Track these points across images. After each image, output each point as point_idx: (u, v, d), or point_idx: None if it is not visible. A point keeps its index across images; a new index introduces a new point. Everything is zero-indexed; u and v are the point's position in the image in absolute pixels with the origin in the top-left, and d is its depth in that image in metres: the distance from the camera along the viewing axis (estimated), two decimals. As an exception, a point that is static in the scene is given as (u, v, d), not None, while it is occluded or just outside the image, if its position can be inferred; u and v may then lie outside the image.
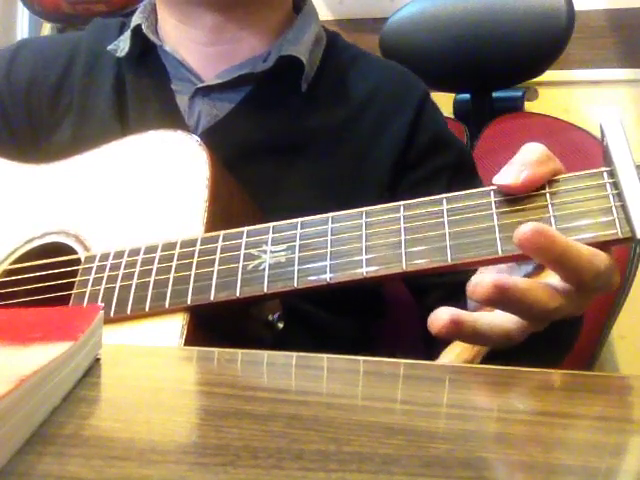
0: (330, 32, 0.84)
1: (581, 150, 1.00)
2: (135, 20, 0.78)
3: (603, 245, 0.48)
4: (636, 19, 1.41)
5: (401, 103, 0.78)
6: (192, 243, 0.58)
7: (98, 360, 0.39)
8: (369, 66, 0.82)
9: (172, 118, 0.75)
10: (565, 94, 1.45)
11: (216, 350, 0.46)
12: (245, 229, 0.57)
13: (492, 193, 0.52)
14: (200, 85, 0.76)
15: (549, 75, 1.16)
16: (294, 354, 0.44)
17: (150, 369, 0.42)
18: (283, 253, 0.55)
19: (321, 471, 0.27)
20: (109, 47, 0.78)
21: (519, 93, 1.18)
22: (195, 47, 0.77)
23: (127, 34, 0.78)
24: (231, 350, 0.45)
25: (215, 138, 0.67)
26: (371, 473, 0.27)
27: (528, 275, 0.51)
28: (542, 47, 1.08)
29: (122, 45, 0.78)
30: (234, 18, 0.75)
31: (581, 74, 1.44)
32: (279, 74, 0.75)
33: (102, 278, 0.59)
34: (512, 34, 1.08)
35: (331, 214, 0.55)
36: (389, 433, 0.31)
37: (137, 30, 0.77)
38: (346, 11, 1.60)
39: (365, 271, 0.52)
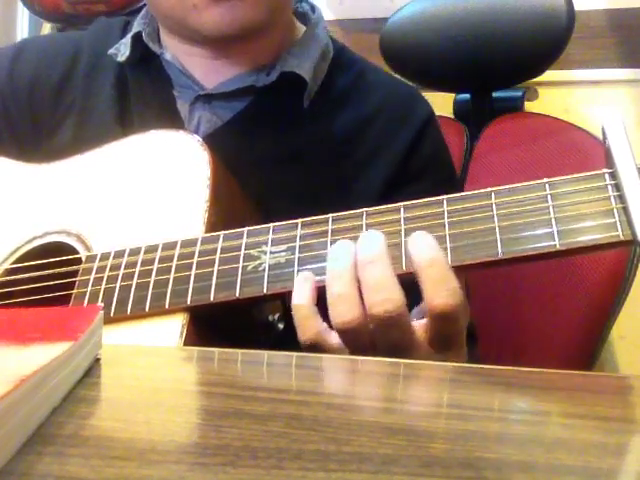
0: (337, 45, 0.83)
1: (581, 150, 1.00)
2: (136, 26, 0.78)
3: (604, 247, 0.48)
4: (636, 19, 1.41)
5: (403, 124, 0.77)
6: (192, 243, 0.58)
7: (98, 360, 0.39)
8: (374, 84, 0.81)
9: (172, 123, 0.74)
10: (565, 94, 1.45)
11: (216, 350, 0.46)
12: (245, 229, 0.57)
13: (493, 195, 0.51)
14: (201, 93, 0.75)
15: (549, 75, 1.16)
16: (294, 354, 0.44)
17: (150, 369, 0.42)
18: (283, 254, 0.55)
19: (321, 471, 0.27)
20: (110, 51, 0.78)
21: (519, 93, 1.17)
22: (197, 59, 0.77)
23: (128, 39, 0.78)
24: (231, 350, 0.45)
25: (214, 145, 0.67)
26: (371, 473, 0.27)
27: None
28: (542, 47, 1.08)
29: (123, 50, 0.78)
30: (233, 45, 0.75)
31: (581, 74, 1.44)
32: (281, 88, 0.74)
33: (102, 278, 0.59)
34: (512, 34, 1.08)
35: (331, 215, 0.55)
36: (389, 433, 0.31)
37: (137, 37, 0.77)
38: (346, 11, 1.60)
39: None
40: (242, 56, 0.76)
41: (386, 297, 0.48)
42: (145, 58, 0.78)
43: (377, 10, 1.53)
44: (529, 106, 1.20)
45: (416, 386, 0.40)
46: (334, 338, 0.51)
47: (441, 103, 1.11)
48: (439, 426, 0.33)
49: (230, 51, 0.75)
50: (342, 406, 0.35)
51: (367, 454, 0.28)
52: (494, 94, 1.17)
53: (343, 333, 0.50)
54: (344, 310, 0.49)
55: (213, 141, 0.72)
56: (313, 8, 0.83)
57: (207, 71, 0.76)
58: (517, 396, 0.40)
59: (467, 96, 1.19)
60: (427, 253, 0.50)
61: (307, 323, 0.51)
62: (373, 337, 0.50)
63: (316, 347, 0.51)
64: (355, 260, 0.50)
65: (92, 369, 0.38)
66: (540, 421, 0.35)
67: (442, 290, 0.49)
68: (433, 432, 0.32)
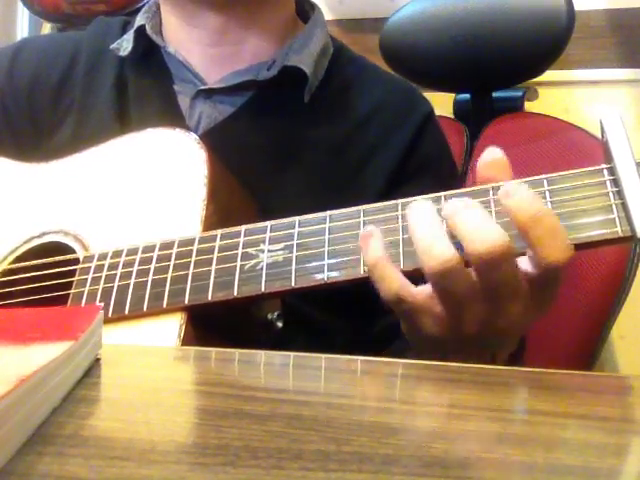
0: (337, 43, 0.84)
1: (581, 150, 1.00)
2: (139, 20, 0.78)
3: (603, 244, 0.48)
4: (636, 19, 1.41)
5: (402, 122, 0.77)
6: (190, 242, 0.58)
7: (98, 360, 0.39)
8: (374, 81, 0.81)
9: (173, 119, 0.74)
10: (565, 94, 1.45)
11: (216, 350, 0.46)
12: (243, 228, 0.57)
13: (491, 191, 0.51)
14: (202, 87, 0.76)
15: (549, 75, 1.16)
16: (293, 354, 0.44)
17: (150, 369, 0.42)
18: (281, 252, 0.55)
19: (321, 471, 0.27)
20: (112, 46, 0.78)
21: (519, 93, 1.17)
22: (199, 48, 0.77)
23: (130, 34, 0.78)
24: (231, 350, 0.45)
25: (214, 140, 0.67)
26: (371, 473, 0.27)
27: None
28: (542, 47, 1.08)
29: (125, 44, 0.78)
30: (236, 17, 0.75)
31: (581, 74, 1.44)
32: (282, 83, 0.75)
33: (100, 278, 0.59)
34: (512, 34, 1.08)
35: (329, 212, 0.55)
36: (389, 433, 0.31)
37: (141, 30, 0.77)
38: (346, 11, 1.60)
39: (363, 270, 0.52)
40: (242, 45, 0.76)
41: (488, 235, 0.47)
42: (147, 52, 0.78)
43: (377, 10, 1.53)
44: (529, 106, 1.20)
45: (416, 386, 0.40)
46: (418, 292, 0.50)
47: (441, 103, 1.10)
48: (439, 426, 0.33)
49: (233, 19, 0.75)
50: (342, 406, 0.35)
51: (367, 454, 0.28)
52: (494, 94, 1.17)
53: (442, 277, 0.48)
54: (442, 249, 0.47)
55: (214, 136, 0.72)
56: (313, 7, 0.84)
57: (208, 65, 0.77)
58: (517, 396, 0.40)
59: (467, 96, 1.19)
60: (530, 206, 0.47)
61: (390, 277, 0.50)
62: (473, 284, 0.48)
63: (401, 303, 0.50)
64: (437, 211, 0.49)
65: (92, 369, 0.38)
66: (540, 421, 0.35)
67: (557, 243, 0.46)
68: (433, 432, 0.32)
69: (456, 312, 0.49)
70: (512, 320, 0.49)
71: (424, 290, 0.50)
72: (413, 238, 0.49)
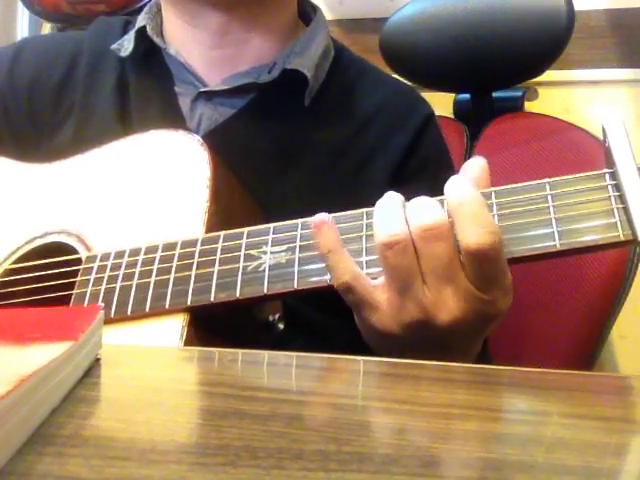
0: (338, 45, 0.84)
1: (581, 150, 1.00)
2: (140, 21, 0.78)
3: (605, 247, 0.48)
4: (636, 19, 1.41)
5: (403, 124, 0.77)
6: (192, 243, 0.58)
7: (98, 360, 0.39)
8: (375, 83, 0.81)
9: (174, 120, 0.74)
10: (565, 94, 1.45)
11: (216, 350, 0.46)
12: (245, 230, 0.57)
13: (493, 194, 0.51)
14: (203, 89, 0.76)
15: (549, 75, 1.16)
16: (294, 354, 0.44)
17: (150, 369, 0.42)
18: (283, 254, 0.55)
19: (321, 471, 0.27)
20: (113, 46, 0.78)
21: (519, 93, 1.17)
22: (200, 50, 0.77)
23: (131, 34, 0.78)
24: (231, 350, 0.45)
25: (215, 142, 0.67)
26: (371, 473, 0.27)
27: None
28: (542, 47, 1.08)
29: (126, 45, 0.78)
30: (239, 18, 0.75)
31: (581, 74, 1.44)
32: (283, 85, 0.75)
33: (103, 278, 0.59)
34: (512, 34, 1.08)
35: (332, 215, 0.55)
36: (389, 433, 0.31)
37: (142, 31, 0.77)
38: (346, 11, 1.60)
39: (365, 273, 0.52)
40: (244, 47, 0.76)
41: (429, 214, 0.50)
42: (148, 53, 0.78)
43: (377, 10, 1.53)
44: (529, 106, 1.20)
45: (416, 386, 0.40)
46: (369, 281, 0.52)
47: (441, 103, 1.10)
48: (439, 426, 0.33)
49: (235, 20, 0.75)
50: (342, 406, 0.35)
51: (367, 454, 0.28)
52: (494, 94, 1.17)
53: (387, 247, 0.50)
54: (393, 223, 0.50)
55: (214, 138, 0.72)
56: (315, 9, 0.84)
57: (209, 66, 0.77)
58: (517, 396, 0.40)
59: (467, 96, 1.19)
60: (458, 192, 0.50)
61: (341, 266, 0.52)
62: (415, 261, 0.50)
63: (352, 291, 0.52)
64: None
65: (92, 369, 0.38)
66: (540, 421, 0.35)
67: (475, 229, 0.48)
68: (433, 432, 0.32)
69: (399, 297, 0.51)
70: (455, 316, 0.50)
71: (373, 281, 0.52)
72: (374, 215, 0.52)
